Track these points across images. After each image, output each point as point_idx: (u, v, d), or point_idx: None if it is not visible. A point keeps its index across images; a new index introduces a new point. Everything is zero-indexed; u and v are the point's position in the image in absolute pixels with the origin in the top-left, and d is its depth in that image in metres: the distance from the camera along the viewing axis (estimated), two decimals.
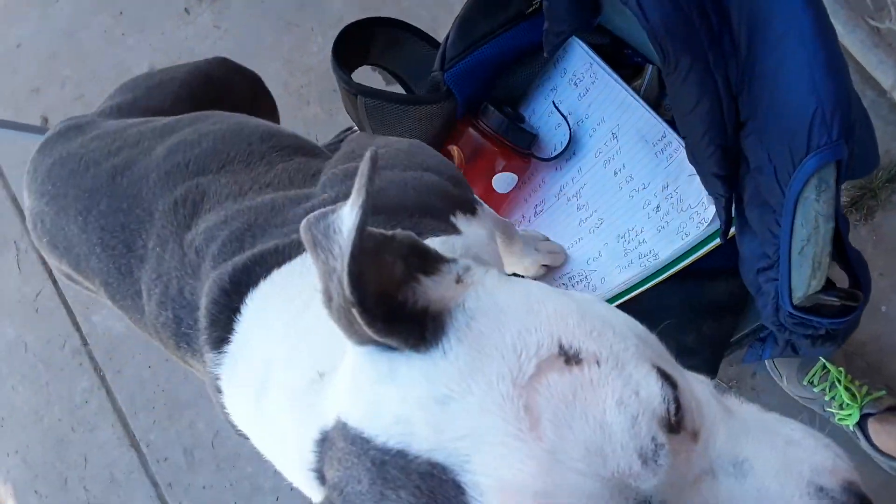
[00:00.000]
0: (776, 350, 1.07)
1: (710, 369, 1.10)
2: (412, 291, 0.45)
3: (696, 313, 1.06)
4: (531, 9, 1.09)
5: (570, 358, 0.43)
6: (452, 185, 0.78)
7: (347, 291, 0.38)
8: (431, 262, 0.48)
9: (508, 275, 0.66)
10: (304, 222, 0.42)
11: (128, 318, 0.81)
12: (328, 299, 0.41)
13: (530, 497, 0.38)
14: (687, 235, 0.97)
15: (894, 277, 1.45)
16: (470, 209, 0.77)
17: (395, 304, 0.43)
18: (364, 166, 0.39)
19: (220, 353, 0.62)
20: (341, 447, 0.44)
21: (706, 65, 0.78)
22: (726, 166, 0.83)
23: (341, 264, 0.38)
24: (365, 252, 0.39)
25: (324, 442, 0.48)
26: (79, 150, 0.85)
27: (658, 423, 0.41)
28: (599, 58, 1.09)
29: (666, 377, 0.44)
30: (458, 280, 0.49)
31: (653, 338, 0.51)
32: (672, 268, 1.02)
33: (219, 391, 0.63)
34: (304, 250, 0.59)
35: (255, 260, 0.63)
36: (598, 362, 0.43)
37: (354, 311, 0.39)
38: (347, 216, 0.39)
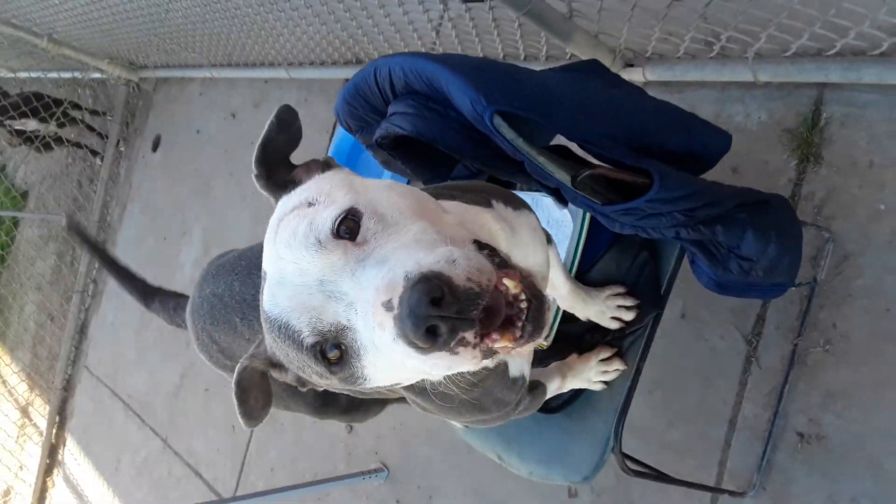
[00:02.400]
0: (704, 262, 1.27)
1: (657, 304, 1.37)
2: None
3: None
4: None
5: (310, 204, 0.80)
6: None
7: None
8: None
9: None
10: None
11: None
12: None
13: (274, 282, 0.76)
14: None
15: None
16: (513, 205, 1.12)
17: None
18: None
19: None
20: None
21: None
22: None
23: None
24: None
25: None
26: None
27: (324, 233, 0.74)
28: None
29: (350, 214, 0.75)
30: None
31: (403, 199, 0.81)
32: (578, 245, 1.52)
33: None
34: None
35: None
36: (316, 204, 0.79)
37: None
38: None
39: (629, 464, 1.42)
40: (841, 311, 1.65)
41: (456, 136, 1.19)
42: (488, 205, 1.05)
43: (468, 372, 0.97)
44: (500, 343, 0.68)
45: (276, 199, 0.88)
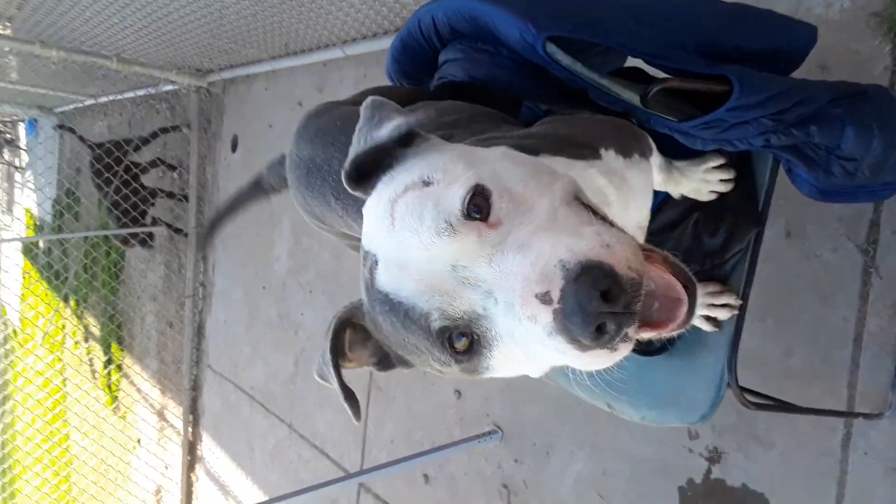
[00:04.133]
0: (803, 169, 1.15)
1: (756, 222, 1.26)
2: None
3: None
4: None
5: (426, 183, 0.72)
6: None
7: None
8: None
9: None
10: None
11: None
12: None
13: (394, 265, 0.71)
14: None
15: None
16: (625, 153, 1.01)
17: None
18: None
19: None
20: None
21: None
22: None
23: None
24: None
25: None
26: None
27: (454, 216, 0.67)
28: None
29: (478, 191, 0.68)
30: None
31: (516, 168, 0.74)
32: None
33: None
34: None
35: None
36: (436, 183, 0.71)
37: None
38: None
39: (749, 397, 1.33)
40: None
41: (511, 74, 1.13)
42: (596, 156, 0.96)
43: None
44: (651, 334, 0.64)
45: (370, 188, 0.80)
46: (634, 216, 1.00)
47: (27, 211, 9.69)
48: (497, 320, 0.66)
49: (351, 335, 0.86)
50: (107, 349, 6.75)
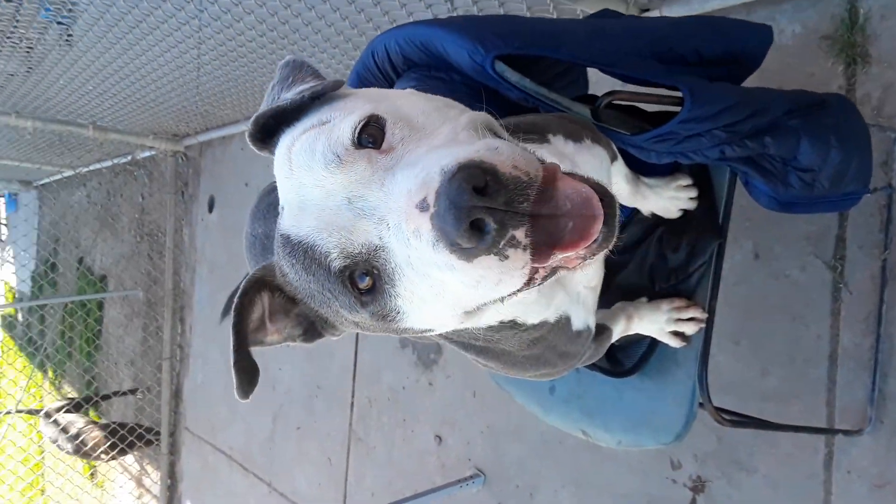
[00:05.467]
0: (760, 181, 1.16)
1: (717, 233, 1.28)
2: None
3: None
4: None
5: (323, 122, 0.69)
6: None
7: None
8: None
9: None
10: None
11: None
12: None
13: (295, 206, 0.67)
14: None
15: None
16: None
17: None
18: None
19: None
20: None
21: None
22: None
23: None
24: None
25: None
26: None
27: (342, 145, 0.65)
28: None
29: (373, 120, 0.66)
30: None
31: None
32: None
33: None
34: None
35: None
36: (332, 120, 0.68)
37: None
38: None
39: (724, 415, 1.31)
40: None
41: (463, 99, 1.13)
42: (544, 141, 0.94)
43: (526, 329, 0.92)
44: (566, 254, 0.57)
45: (275, 147, 0.76)
46: None
47: (6, 284, 9.58)
48: (393, 248, 0.62)
49: (270, 302, 0.79)
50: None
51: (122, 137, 5.10)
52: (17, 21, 2.85)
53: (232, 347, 0.75)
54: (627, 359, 1.36)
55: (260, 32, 2.79)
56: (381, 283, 0.65)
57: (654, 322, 1.28)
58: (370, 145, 0.65)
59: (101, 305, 6.71)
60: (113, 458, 5.32)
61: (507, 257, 0.55)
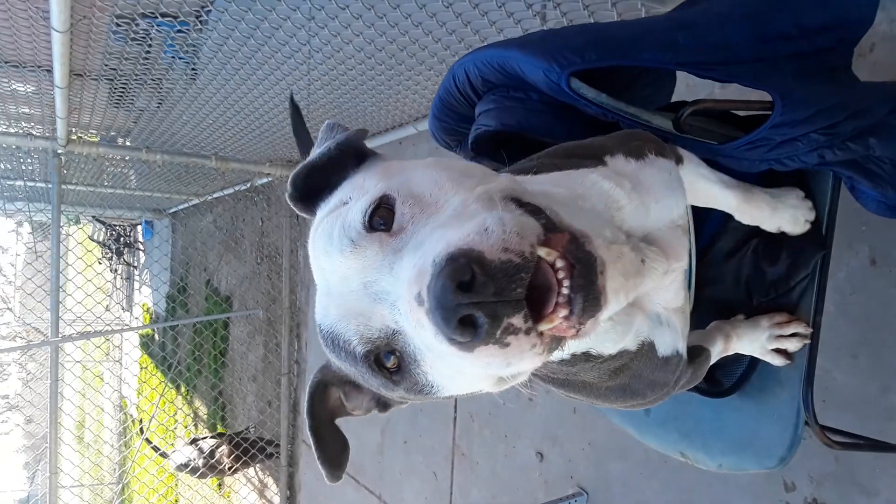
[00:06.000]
0: (867, 185, 1.09)
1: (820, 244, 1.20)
2: None
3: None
4: None
5: (344, 203, 0.71)
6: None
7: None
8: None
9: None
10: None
11: None
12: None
13: (322, 293, 0.71)
14: None
15: None
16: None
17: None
18: None
19: None
20: None
21: None
22: None
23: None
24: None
25: None
26: None
27: (354, 230, 0.66)
28: None
29: (384, 202, 0.66)
30: None
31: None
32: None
33: None
34: None
35: None
36: (349, 202, 0.70)
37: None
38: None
39: (833, 437, 1.23)
40: None
41: (542, 117, 1.15)
42: (600, 163, 0.89)
43: (604, 361, 0.87)
44: (547, 325, 0.55)
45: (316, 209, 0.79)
46: (663, 215, 0.90)
47: (143, 306, 10.42)
48: (408, 332, 0.61)
49: (339, 391, 0.84)
50: (213, 430, 7.00)
51: (242, 166, 5.45)
52: (147, 56, 3.10)
53: (313, 446, 0.80)
54: (726, 377, 1.30)
55: (359, 60, 2.91)
56: (405, 363, 0.65)
57: (754, 340, 1.20)
58: (381, 227, 0.65)
59: (226, 325, 7.15)
60: (236, 470, 5.62)
61: (507, 344, 0.54)
